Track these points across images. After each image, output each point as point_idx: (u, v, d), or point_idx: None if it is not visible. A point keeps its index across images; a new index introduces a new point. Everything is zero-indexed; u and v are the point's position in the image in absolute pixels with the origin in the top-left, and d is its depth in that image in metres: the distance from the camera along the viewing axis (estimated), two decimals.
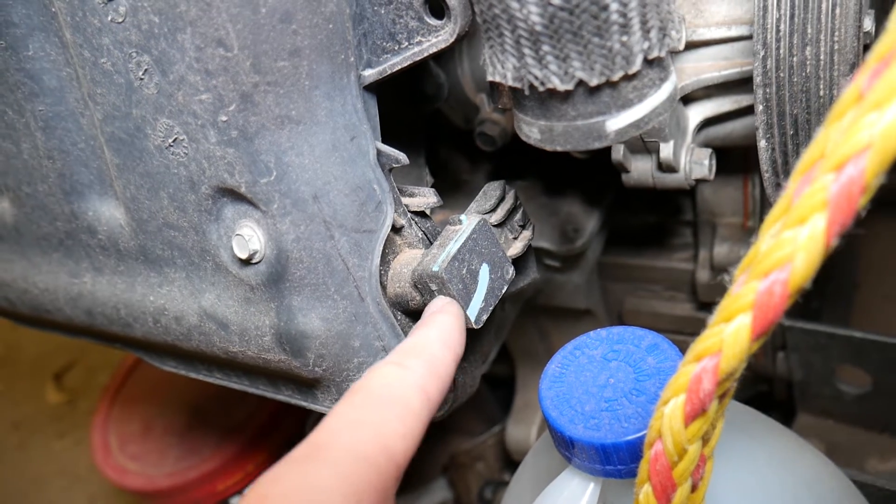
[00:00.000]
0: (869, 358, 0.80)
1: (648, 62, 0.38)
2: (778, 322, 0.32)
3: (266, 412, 1.09)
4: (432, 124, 0.77)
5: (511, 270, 0.53)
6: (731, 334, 0.33)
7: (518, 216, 0.56)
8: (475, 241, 0.50)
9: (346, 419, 0.38)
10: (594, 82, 0.37)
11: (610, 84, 0.37)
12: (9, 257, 0.66)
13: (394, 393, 0.39)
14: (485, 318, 0.51)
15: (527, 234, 0.56)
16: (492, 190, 0.54)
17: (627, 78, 0.37)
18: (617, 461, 0.44)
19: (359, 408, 0.38)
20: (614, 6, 0.35)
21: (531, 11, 0.35)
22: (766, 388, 0.96)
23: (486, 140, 0.73)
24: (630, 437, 0.43)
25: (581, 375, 0.48)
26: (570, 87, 0.37)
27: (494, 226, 0.53)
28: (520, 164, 0.83)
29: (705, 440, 0.38)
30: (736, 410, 0.59)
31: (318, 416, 1.15)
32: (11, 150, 0.57)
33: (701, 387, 0.34)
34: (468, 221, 0.51)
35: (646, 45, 0.37)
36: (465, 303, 0.49)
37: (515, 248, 0.55)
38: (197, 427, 1.12)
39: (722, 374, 0.34)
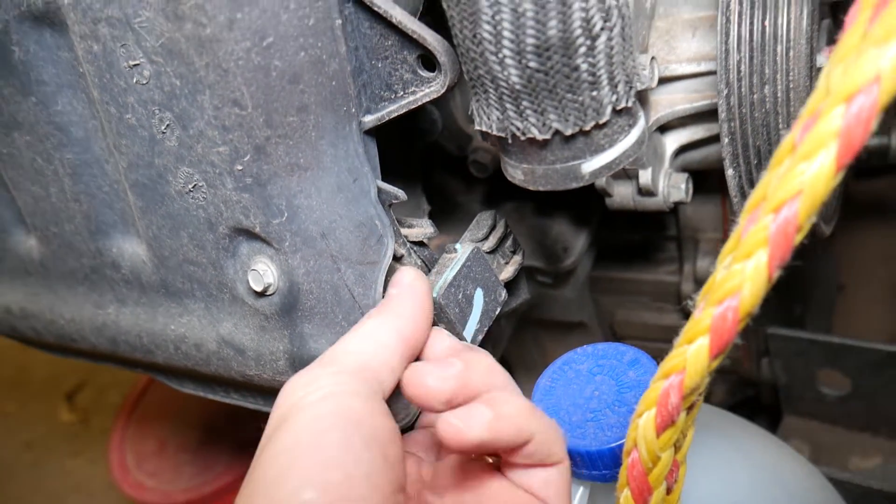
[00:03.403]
0: (847, 361, 0.85)
1: (617, 112, 0.42)
2: (733, 342, 0.37)
3: None
4: (428, 151, 0.82)
5: (503, 293, 0.57)
6: (692, 354, 0.38)
7: (509, 242, 0.60)
8: (469, 268, 0.55)
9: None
10: (569, 132, 0.41)
11: (583, 133, 0.42)
12: (36, 290, 0.71)
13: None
14: (480, 338, 0.56)
15: (517, 258, 0.61)
16: (483, 219, 0.59)
17: (598, 126, 0.42)
18: (602, 466, 0.49)
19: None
20: (584, 66, 0.40)
21: (511, 73, 0.40)
22: (753, 392, 1.00)
23: (479, 167, 0.78)
24: (613, 445, 0.48)
25: (569, 388, 0.53)
26: (547, 136, 0.42)
27: (487, 252, 0.58)
28: (512, 187, 0.88)
29: (677, 447, 0.42)
30: (713, 415, 0.63)
31: None
32: (40, 193, 0.62)
33: (669, 401, 0.39)
34: (462, 249, 0.55)
35: (614, 97, 0.42)
36: (461, 326, 0.54)
37: (507, 273, 0.60)
38: (210, 444, 1.17)
39: (686, 389, 0.38)
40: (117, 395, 1.88)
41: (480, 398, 0.42)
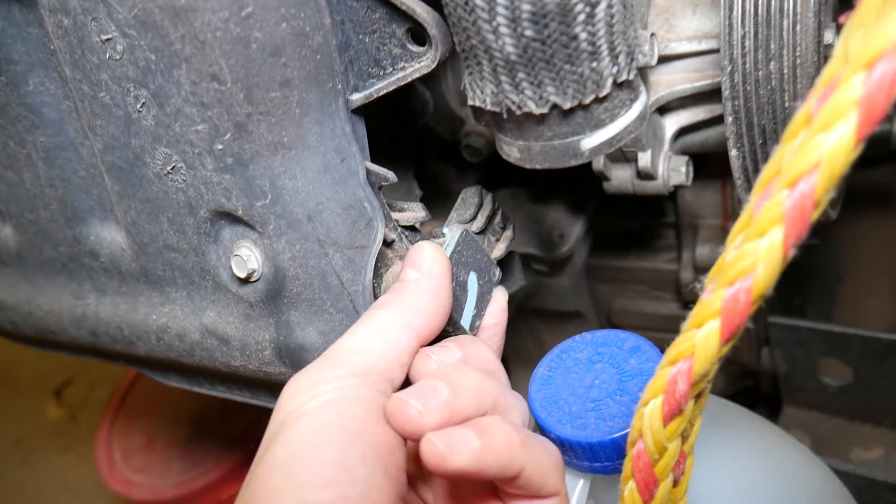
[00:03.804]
0: (849, 351, 0.83)
1: (618, 85, 0.40)
2: (745, 326, 0.35)
3: (266, 422, 1.11)
4: (419, 137, 0.80)
5: (497, 272, 0.55)
6: (702, 339, 0.35)
7: (498, 219, 0.57)
8: (460, 253, 0.52)
9: None
10: (567, 105, 0.39)
11: (582, 107, 0.40)
12: (12, 281, 0.68)
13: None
14: (478, 323, 0.54)
15: (508, 234, 0.58)
16: (469, 197, 0.56)
17: (599, 100, 0.40)
18: (604, 458, 0.47)
19: None
20: (583, 35, 0.37)
21: (506, 42, 0.38)
22: (752, 382, 0.98)
23: (473, 152, 0.76)
24: (615, 435, 0.46)
25: (568, 377, 0.50)
26: (544, 110, 0.39)
27: (476, 233, 0.55)
28: (506, 173, 0.85)
29: (684, 437, 0.40)
30: (716, 405, 0.61)
31: None
32: (14, 179, 0.59)
33: (677, 388, 0.37)
34: (451, 233, 0.53)
35: (615, 69, 0.39)
36: (458, 315, 0.52)
37: (499, 250, 0.57)
38: (199, 439, 1.14)
39: (695, 375, 0.36)
40: (106, 391, 1.85)
41: (470, 424, 0.40)
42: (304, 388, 0.40)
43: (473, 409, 0.41)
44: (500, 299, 0.55)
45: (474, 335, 0.54)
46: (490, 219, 0.55)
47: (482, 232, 0.55)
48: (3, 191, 0.61)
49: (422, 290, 0.45)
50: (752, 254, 0.33)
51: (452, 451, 0.38)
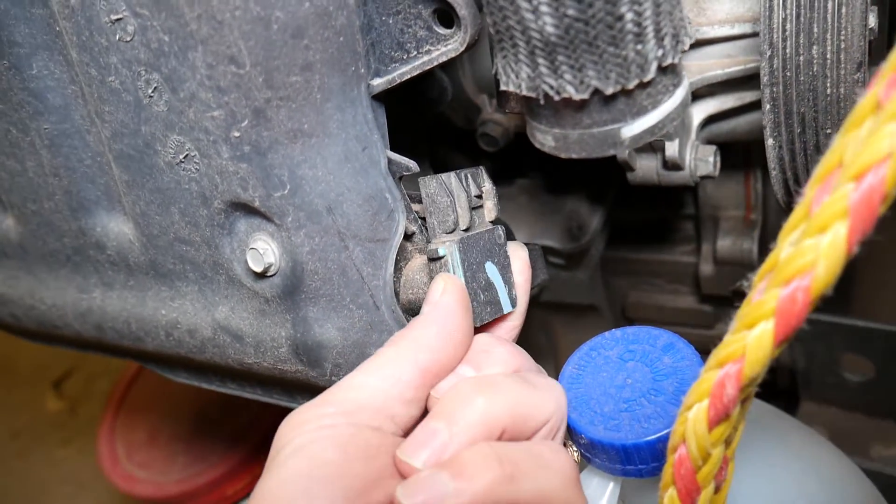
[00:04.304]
0: (872, 346, 0.81)
1: (662, 69, 0.38)
2: (801, 328, 0.33)
3: (270, 416, 1.09)
4: (433, 124, 0.77)
5: (501, 233, 0.51)
6: (754, 340, 0.33)
7: (473, 190, 0.52)
8: (468, 263, 0.48)
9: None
10: (609, 91, 0.37)
11: (625, 92, 0.37)
12: (14, 274, 0.66)
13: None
14: (515, 294, 0.51)
15: (487, 188, 0.52)
16: (437, 196, 0.49)
17: (642, 86, 0.38)
18: (638, 461, 0.45)
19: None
20: (629, 15, 0.35)
21: (546, 22, 0.35)
22: (769, 377, 0.97)
23: (489, 140, 0.73)
24: (651, 438, 0.44)
25: (598, 376, 0.48)
26: (585, 96, 0.37)
27: (465, 230, 0.51)
28: (522, 162, 0.83)
29: (728, 443, 0.38)
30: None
31: None
32: (16, 168, 0.57)
33: (724, 392, 0.35)
34: (448, 253, 0.48)
35: (660, 52, 0.37)
36: (498, 311, 0.50)
37: (491, 213, 0.52)
38: (202, 434, 1.12)
39: (745, 379, 0.34)
40: (106, 383, 1.83)
41: (448, 465, 0.38)
42: (293, 427, 0.41)
43: (481, 438, 0.40)
44: (521, 255, 0.52)
45: (515, 308, 0.51)
46: (468, 201, 0.50)
47: (468, 228, 0.51)
48: (4, 180, 0.59)
49: (430, 323, 0.44)
50: (812, 250, 0.31)
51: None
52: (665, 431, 0.43)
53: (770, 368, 1.00)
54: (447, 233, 0.49)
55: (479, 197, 0.52)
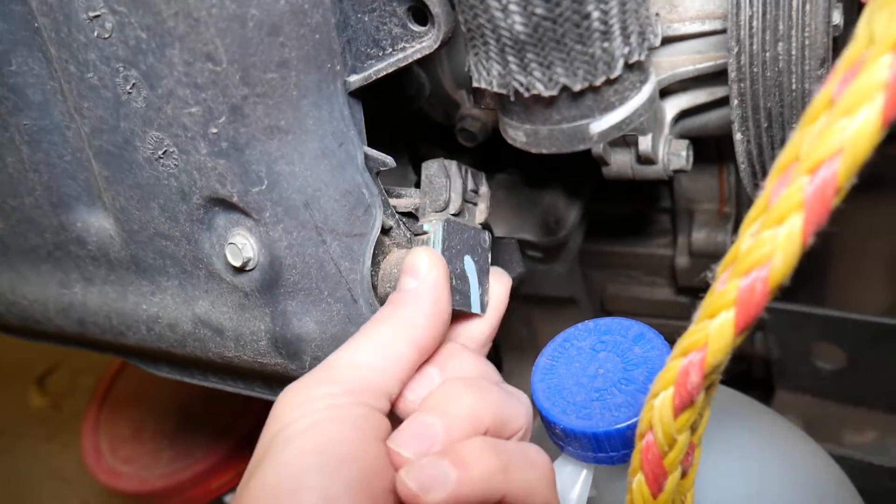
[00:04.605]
0: (843, 335, 0.83)
1: (629, 66, 0.39)
2: (760, 317, 0.34)
3: (254, 411, 1.10)
4: (412, 119, 0.78)
5: (487, 238, 0.53)
6: (715, 329, 0.34)
7: (470, 184, 0.54)
8: (450, 247, 0.50)
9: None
10: (577, 87, 0.38)
11: (592, 89, 0.39)
12: None
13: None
14: (487, 299, 0.53)
15: (484, 191, 0.54)
16: (435, 176, 0.52)
17: (609, 82, 0.39)
18: (609, 448, 0.46)
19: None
20: (596, 14, 0.36)
21: (515, 21, 0.36)
22: (745, 366, 0.98)
23: (468, 136, 0.74)
24: (621, 426, 0.45)
25: (571, 367, 0.49)
26: (553, 92, 0.38)
27: (455, 214, 0.53)
28: (500, 157, 0.84)
29: (693, 429, 0.40)
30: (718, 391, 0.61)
31: None
32: None
33: (688, 380, 0.36)
34: (433, 230, 0.49)
35: (626, 49, 0.38)
36: (467, 306, 0.51)
37: (482, 214, 0.54)
38: (187, 428, 1.13)
39: (708, 367, 0.35)
40: (90, 379, 1.82)
41: (449, 453, 0.39)
42: (295, 405, 0.39)
43: (470, 434, 0.41)
44: (503, 285, 0.53)
45: (482, 315, 0.52)
46: (463, 192, 0.53)
47: (459, 213, 0.53)
48: None
49: (421, 300, 0.44)
50: (769, 242, 0.32)
51: (426, 489, 0.37)
52: (635, 419, 0.44)
53: (745, 358, 1.03)
54: (436, 212, 0.51)
55: (475, 193, 0.54)
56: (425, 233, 0.50)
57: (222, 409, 1.12)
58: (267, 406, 0.63)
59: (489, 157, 0.84)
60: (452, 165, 0.53)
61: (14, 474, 1.71)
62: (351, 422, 0.39)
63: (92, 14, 0.43)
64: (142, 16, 0.41)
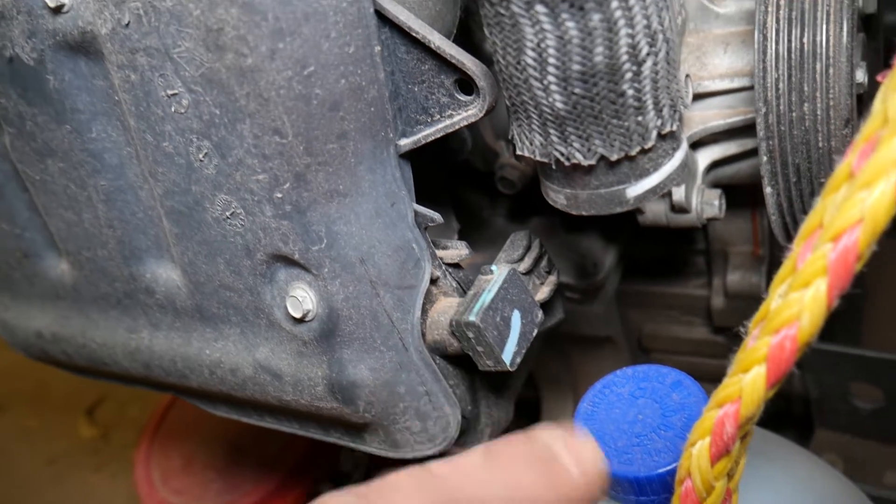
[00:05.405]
0: (880, 375, 0.84)
1: (662, 136, 0.42)
2: (790, 371, 0.37)
3: (301, 446, 1.13)
4: (453, 169, 0.82)
5: (540, 314, 0.57)
6: (748, 383, 0.37)
7: (544, 262, 0.60)
8: (506, 290, 0.54)
9: None
10: (614, 157, 0.41)
11: (628, 158, 0.42)
12: (67, 314, 0.71)
13: None
14: (518, 360, 0.56)
15: (552, 279, 0.60)
16: (518, 239, 0.59)
17: (644, 151, 0.42)
18: (650, 492, 0.48)
19: None
20: (630, 91, 0.39)
21: (556, 99, 0.40)
22: (783, 405, 0.99)
23: (507, 184, 0.78)
24: (661, 470, 0.47)
25: (611, 413, 0.52)
26: (592, 162, 0.41)
27: (523, 274, 0.57)
28: (538, 202, 0.87)
29: (730, 475, 0.42)
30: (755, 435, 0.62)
31: (351, 451, 1.17)
32: (73, 219, 0.62)
33: (724, 430, 0.38)
34: (499, 271, 0.55)
35: (659, 122, 0.41)
36: (499, 348, 0.54)
37: (543, 293, 0.59)
38: (236, 462, 1.16)
39: (742, 418, 0.38)
40: (137, 410, 1.88)
41: None
42: None
43: None
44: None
45: (513, 370, 0.55)
46: (537, 261, 0.58)
47: (528, 273, 0.57)
48: (62, 229, 0.64)
49: None
50: (797, 303, 0.35)
51: None
52: (674, 465, 0.47)
53: (784, 397, 1.03)
54: (507, 262, 0.57)
55: (546, 274, 0.59)
56: (491, 273, 0.54)
57: (271, 442, 1.16)
58: (316, 441, 0.66)
59: (528, 202, 0.87)
60: (537, 240, 0.59)
61: (64, 503, 1.76)
62: None
63: (170, 92, 0.47)
64: (216, 95, 0.45)
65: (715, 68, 0.61)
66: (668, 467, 0.47)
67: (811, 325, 0.35)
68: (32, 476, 1.84)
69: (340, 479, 1.20)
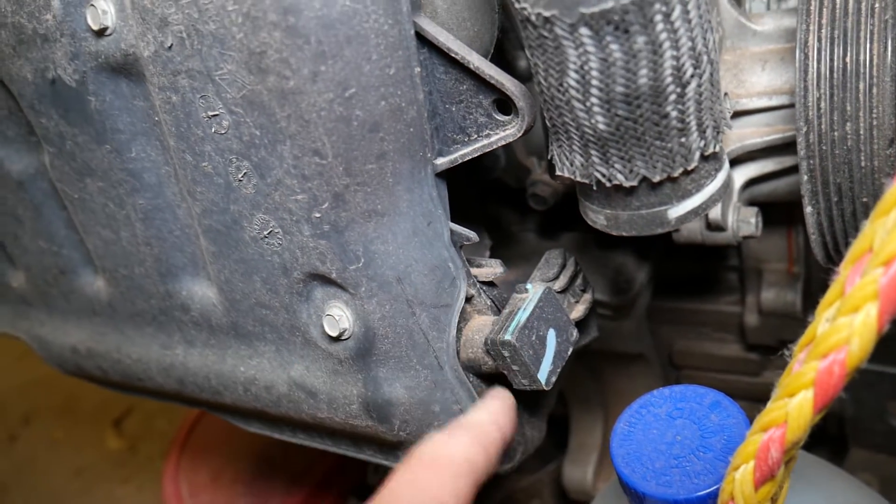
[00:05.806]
0: None
1: (705, 157, 0.42)
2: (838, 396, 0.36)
3: (328, 460, 1.13)
4: (485, 185, 0.82)
5: (575, 333, 0.57)
6: (795, 408, 0.36)
7: (579, 281, 0.60)
8: (542, 309, 0.54)
9: (404, 480, 0.45)
10: (656, 179, 0.41)
11: (671, 179, 0.41)
12: (102, 330, 0.72)
13: (439, 459, 0.46)
14: (553, 379, 0.55)
15: (587, 297, 0.60)
16: (553, 258, 0.59)
17: (686, 173, 0.41)
18: None
19: (413, 471, 0.45)
20: (674, 113, 0.39)
21: (598, 121, 0.40)
22: (819, 423, 0.97)
23: (539, 200, 0.77)
24: (701, 493, 0.46)
25: (649, 433, 0.51)
26: (634, 183, 0.41)
27: (558, 292, 0.57)
28: (569, 217, 0.87)
29: (773, 500, 0.41)
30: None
31: (378, 466, 1.17)
32: (110, 237, 0.63)
33: (769, 455, 0.38)
34: (534, 290, 0.55)
35: (702, 143, 0.41)
36: (535, 367, 0.53)
37: (578, 312, 0.59)
38: (263, 475, 1.17)
39: (788, 443, 0.37)
40: (164, 422, 1.89)
41: None
42: None
43: None
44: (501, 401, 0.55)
45: (548, 389, 0.55)
46: (572, 280, 0.57)
47: (563, 291, 0.57)
48: (99, 247, 0.65)
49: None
50: (846, 328, 0.34)
51: None
52: (714, 487, 0.46)
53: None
54: (543, 281, 0.57)
55: (582, 292, 0.58)
56: (526, 291, 0.54)
57: (299, 456, 1.16)
58: (342, 456, 0.66)
59: (559, 218, 0.87)
60: (572, 258, 0.59)
61: None
62: None
63: (211, 113, 0.48)
64: (257, 116, 0.45)
65: (753, 86, 0.61)
66: (709, 490, 0.46)
67: (861, 350, 0.34)
68: (60, 487, 1.86)
69: (367, 493, 1.20)
